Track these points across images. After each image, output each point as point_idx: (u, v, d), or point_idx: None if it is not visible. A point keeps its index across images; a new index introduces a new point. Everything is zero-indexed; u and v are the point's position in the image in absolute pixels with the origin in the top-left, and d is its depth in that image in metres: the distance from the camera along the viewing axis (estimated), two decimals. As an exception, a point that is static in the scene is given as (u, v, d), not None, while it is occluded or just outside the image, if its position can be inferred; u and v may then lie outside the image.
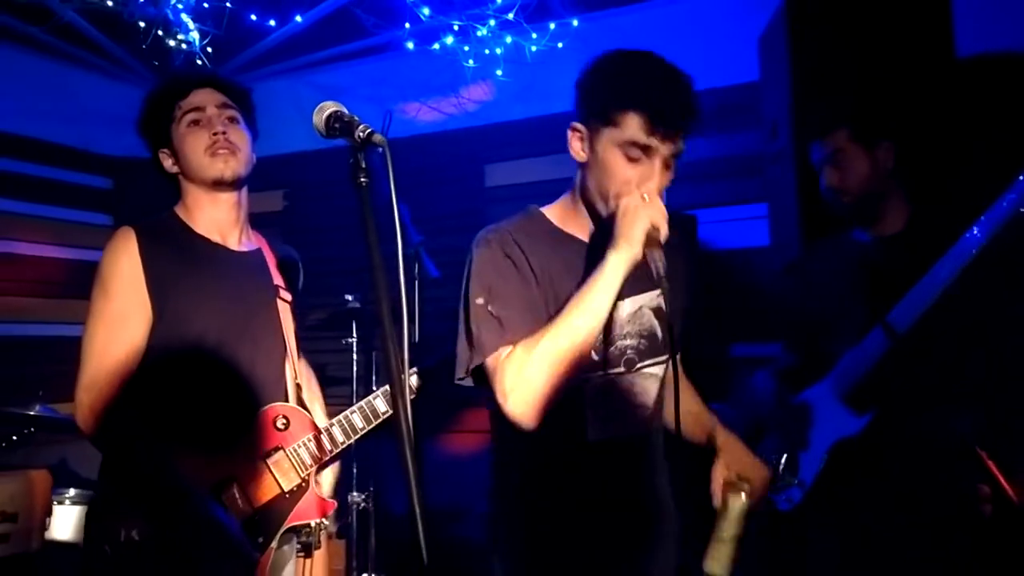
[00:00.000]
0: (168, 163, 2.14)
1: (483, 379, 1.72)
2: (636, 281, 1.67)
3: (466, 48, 4.20)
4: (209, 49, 4.09)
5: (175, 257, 2.01)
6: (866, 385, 2.16)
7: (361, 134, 1.41)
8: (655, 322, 1.78)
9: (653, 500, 1.83)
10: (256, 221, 2.22)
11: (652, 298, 1.77)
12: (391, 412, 2.19)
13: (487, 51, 4.19)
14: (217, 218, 2.12)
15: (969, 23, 2.90)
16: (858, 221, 2.36)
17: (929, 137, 2.52)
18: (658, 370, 1.80)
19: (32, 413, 3.27)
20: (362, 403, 2.26)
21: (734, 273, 3.92)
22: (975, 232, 1.98)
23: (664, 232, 1.59)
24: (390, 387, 1.29)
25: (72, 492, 3.37)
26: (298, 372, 2.23)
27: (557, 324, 1.63)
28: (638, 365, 1.77)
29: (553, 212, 1.83)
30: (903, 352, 2.07)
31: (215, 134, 2.06)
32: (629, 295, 1.74)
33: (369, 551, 3.78)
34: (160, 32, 3.97)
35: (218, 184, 2.08)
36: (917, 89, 2.69)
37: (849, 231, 2.42)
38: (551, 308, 1.70)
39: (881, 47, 2.76)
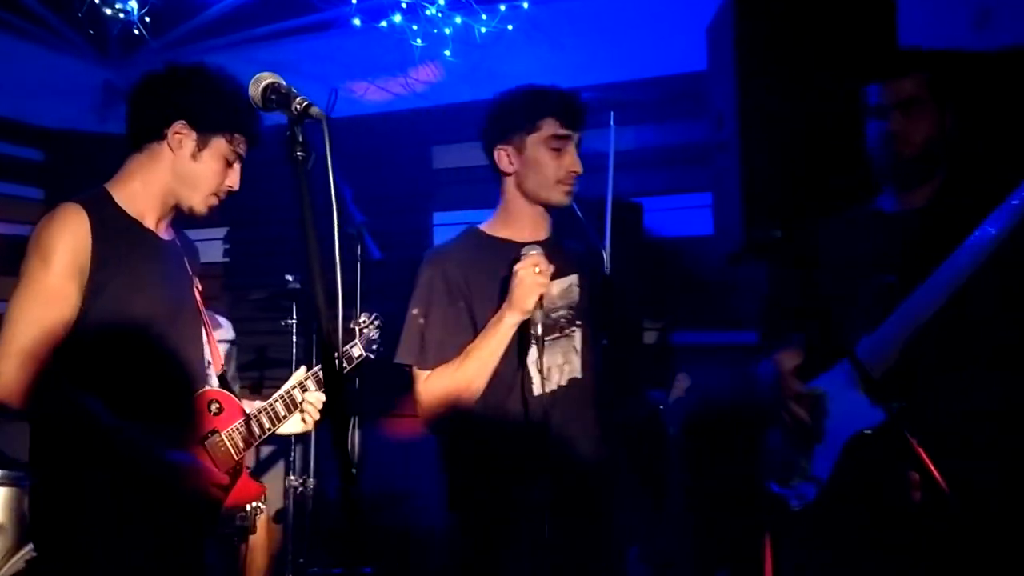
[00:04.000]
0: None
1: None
2: (561, 267, 2.19)
3: (414, 27, 4.14)
4: (148, 19, 3.96)
5: (118, 241, 1.97)
6: (888, 373, 2.01)
7: (298, 107, 1.40)
8: (577, 295, 2.26)
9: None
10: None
11: (575, 280, 2.27)
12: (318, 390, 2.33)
13: (435, 31, 4.14)
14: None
15: (912, 18, 2.95)
16: (901, 182, 2.18)
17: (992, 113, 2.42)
18: (579, 332, 2.24)
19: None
20: (282, 392, 2.31)
21: (678, 261, 3.95)
22: (988, 228, 1.90)
23: (548, 295, 2.10)
24: (323, 366, 1.26)
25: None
26: (219, 358, 2.28)
27: (460, 364, 2.11)
28: (567, 330, 2.22)
29: (489, 226, 2.29)
30: (927, 339, 1.97)
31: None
32: (567, 274, 2.25)
33: (305, 535, 3.74)
34: (96, 0, 3.83)
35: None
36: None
37: (868, 203, 2.26)
38: (475, 310, 2.17)
39: (826, 39, 2.78)
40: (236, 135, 2.06)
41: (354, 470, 3.48)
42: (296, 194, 1.32)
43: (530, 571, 2.10)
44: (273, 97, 1.43)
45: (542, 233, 2.26)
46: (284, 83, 1.45)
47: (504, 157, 2.21)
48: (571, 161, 2.17)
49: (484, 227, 2.29)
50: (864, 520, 2.08)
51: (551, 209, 2.25)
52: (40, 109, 4.80)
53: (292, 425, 2.32)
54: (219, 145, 2.05)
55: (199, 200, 2.07)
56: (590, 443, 2.21)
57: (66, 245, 1.88)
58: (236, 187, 2.11)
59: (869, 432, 2.02)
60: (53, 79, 4.81)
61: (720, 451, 3.59)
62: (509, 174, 2.22)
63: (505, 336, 2.08)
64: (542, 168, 2.17)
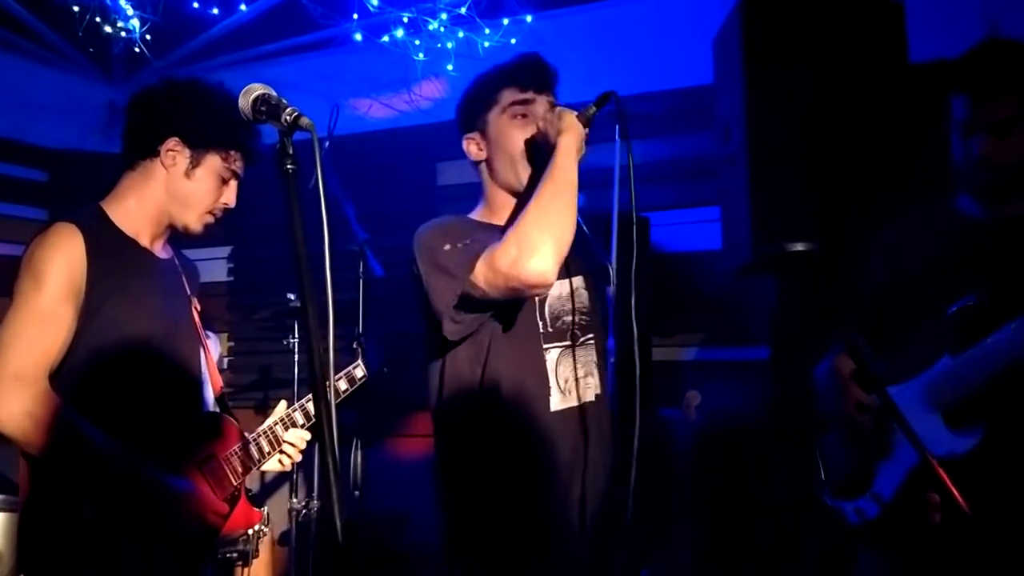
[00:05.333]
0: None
1: (470, 307, 1.81)
2: (576, 262, 1.94)
3: (417, 42, 4.13)
4: (148, 37, 3.95)
5: (113, 260, 1.93)
6: (974, 400, 1.89)
7: (288, 117, 1.35)
8: (589, 300, 2.01)
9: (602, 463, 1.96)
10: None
11: (582, 282, 2.01)
12: (310, 423, 2.28)
13: (438, 45, 4.12)
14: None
15: (922, 27, 2.91)
16: (991, 199, 2.07)
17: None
18: (593, 343, 1.99)
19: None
20: (282, 415, 2.27)
21: (686, 276, 3.90)
22: None
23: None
24: (311, 385, 1.22)
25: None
26: (218, 379, 2.24)
27: (539, 195, 1.79)
28: (581, 339, 1.95)
29: (476, 214, 2.05)
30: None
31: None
32: (573, 275, 1.97)
33: (309, 559, 3.68)
34: (97, 18, 3.82)
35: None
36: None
37: (948, 200, 2.14)
38: None
39: (834, 49, 2.74)
40: (231, 152, 2.03)
41: (357, 492, 3.42)
42: (286, 207, 1.27)
43: None
44: (263, 108, 1.39)
45: None
46: (275, 94, 1.41)
47: (472, 145, 2.00)
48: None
49: (473, 215, 2.07)
50: (922, 550, 1.96)
51: None
52: (43, 129, 4.80)
53: (271, 464, 2.26)
54: (213, 162, 2.02)
55: (194, 219, 2.05)
56: (607, 470, 1.96)
57: (60, 265, 1.84)
58: (232, 205, 2.08)
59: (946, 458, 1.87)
60: (56, 99, 4.81)
61: (730, 469, 3.53)
62: (481, 161, 2.01)
63: (574, 155, 1.81)
64: (508, 142, 1.94)
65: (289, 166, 1.32)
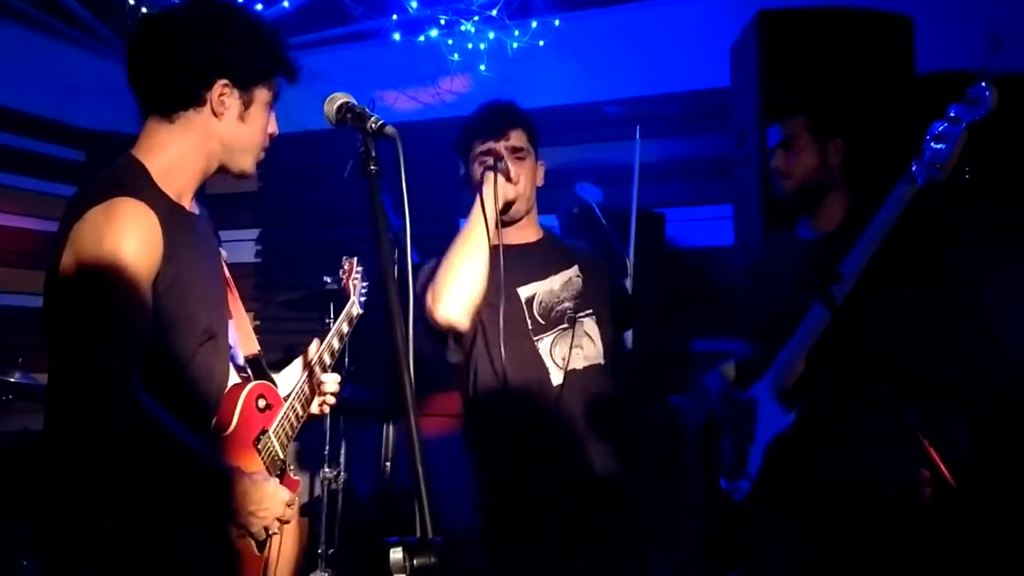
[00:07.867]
0: None
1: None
2: (558, 262, 2.35)
3: (450, 42, 4.25)
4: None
5: (176, 237, 1.68)
6: (796, 383, 2.24)
7: (373, 125, 1.50)
8: (580, 285, 2.36)
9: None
10: (232, 202, 2.05)
11: (575, 271, 2.38)
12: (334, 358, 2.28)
13: (470, 45, 4.25)
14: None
15: (929, 41, 3.06)
16: (796, 209, 2.46)
17: (882, 143, 2.56)
18: (592, 317, 2.34)
19: (12, 380, 3.20)
20: (312, 360, 2.16)
21: (699, 271, 4.04)
22: (857, 251, 2.12)
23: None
24: (396, 372, 1.30)
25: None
26: (253, 341, 2.03)
27: (450, 248, 2.25)
28: (577, 317, 2.30)
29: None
30: (832, 337, 2.16)
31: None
32: (556, 272, 2.34)
33: (336, 528, 3.82)
34: (145, 10, 3.98)
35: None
36: (876, 96, 2.84)
37: (795, 227, 2.48)
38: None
39: (846, 60, 2.90)
40: (276, 79, 1.82)
41: (388, 464, 3.55)
42: (369, 204, 1.44)
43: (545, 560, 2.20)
44: (348, 116, 1.52)
45: (532, 236, 2.40)
46: (356, 102, 1.55)
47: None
48: (504, 168, 2.26)
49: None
50: (776, 515, 2.34)
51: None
52: (80, 110, 4.98)
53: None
54: (262, 96, 1.79)
55: (250, 161, 1.84)
56: (604, 429, 2.27)
57: (140, 252, 1.58)
58: (277, 132, 1.88)
59: (781, 435, 2.25)
60: (96, 82, 4.96)
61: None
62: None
63: (485, 208, 2.22)
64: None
65: (372, 167, 1.48)
